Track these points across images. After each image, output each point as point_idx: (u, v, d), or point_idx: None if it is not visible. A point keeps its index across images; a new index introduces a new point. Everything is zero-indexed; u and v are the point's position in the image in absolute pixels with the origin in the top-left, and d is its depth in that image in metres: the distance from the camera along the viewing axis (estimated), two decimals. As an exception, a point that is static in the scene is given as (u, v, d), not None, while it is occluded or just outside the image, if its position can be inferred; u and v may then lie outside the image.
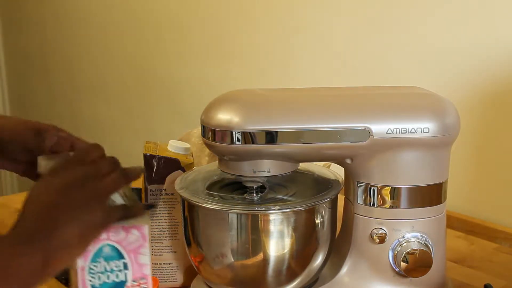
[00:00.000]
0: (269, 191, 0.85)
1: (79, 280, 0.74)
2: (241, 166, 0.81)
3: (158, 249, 0.94)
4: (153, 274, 0.95)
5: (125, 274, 0.77)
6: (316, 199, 0.83)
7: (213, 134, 0.79)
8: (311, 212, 0.82)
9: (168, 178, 0.92)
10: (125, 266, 0.77)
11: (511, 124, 1.15)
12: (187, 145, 0.96)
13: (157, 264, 0.95)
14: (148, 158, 0.91)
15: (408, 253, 0.81)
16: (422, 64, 1.26)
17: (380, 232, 0.82)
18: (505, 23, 1.12)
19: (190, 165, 0.93)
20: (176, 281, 0.96)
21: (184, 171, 0.92)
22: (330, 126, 0.79)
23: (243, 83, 1.66)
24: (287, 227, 0.81)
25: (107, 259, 0.76)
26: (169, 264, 0.95)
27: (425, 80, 1.25)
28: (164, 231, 0.94)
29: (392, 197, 0.82)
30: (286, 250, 0.81)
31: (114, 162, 0.71)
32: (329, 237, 0.85)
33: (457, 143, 0.84)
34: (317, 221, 0.83)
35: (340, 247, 0.88)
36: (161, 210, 0.93)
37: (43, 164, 0.79)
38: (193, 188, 0.86)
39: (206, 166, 0.99)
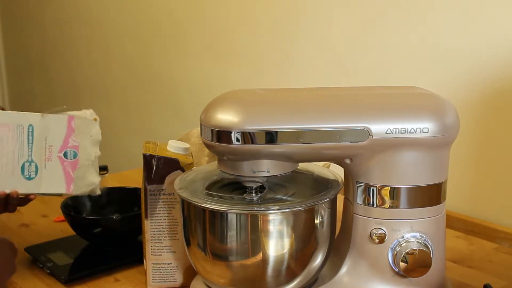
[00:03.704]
0: (269, 191, 0.85)
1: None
2: (241, 166, 0.81)
3: (157, 249, 0.94)
4: (152, 274, 0.95)
5: None
6: (315, 199, 0.83)
7: (212, 134, 0.79)
8: (311, 212, 0.82)
9: (168, 178, 0.92)
10: None
11: (511, 124, 1.15)
12: (187, 145, 0.96)
13: (156, 264, 0.95)
14: (147, 158, 0.91)
15: (407, 253, 0.81)
16: (422, 64, 1.26)
17: (379, 232, 0.82)
18: (505, 23, 1.12)
19: (190, 165, 0.93)
20: (176, 281, 0.96)
21: (183, 171, 0.92)
22: (330, 126, 0.79)
23: (243, 83, 1.66)
24: (286, 227, 0.81)
25: None
26: (168, 264, 0.95)
27: (425, 80, 1.25)
28: (164, 231, 0.94)
29: (392, 197, 0.82)
30: (285, 250, 0.81)
31: None
32: (328, 237, 0.85)
33: (457, 143, 0.84)
34: (317, 221, 0.83)
35: (339, 247, 0.88)
36: (160, 210, 0.93)
37: None
38: (192, 188, 0.86)
39: (206, 166, 0.99)
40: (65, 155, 0.98)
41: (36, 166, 0.96)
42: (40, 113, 0.97)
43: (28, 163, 0.95)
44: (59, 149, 0.98)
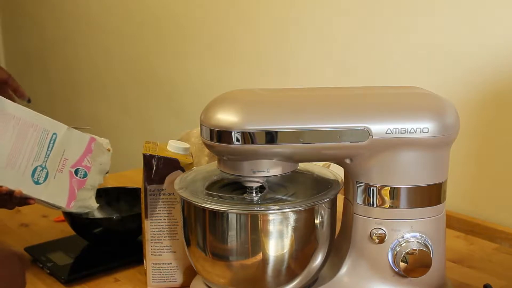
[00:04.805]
0: (269, 191, 0.85)
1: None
2: (241, 166, 0.81)
3: (157, 249, 0.94)
4: (152, 274, 0.95)
5: None
6: (315, 199, 0.83)
7: (212, 134, 0.79)
8: (311, 212, 0.82)
9: (168, 178, 0.92)
10: None
11: (511, 124, 1.15)
12: (187, 145, 0.96)
13: (156, 264, 0.95)
14: (147, 158, 0.91)
15: (407, 253, 0.81)
16: (422, 64, 1.26)
17: (379, 232, 0.82)
18: (505, 23, 1.12)
19: (190, 165, 0.93)
20: (176, 281, 0.96)
21: (183, 171, 0.92)
22: (330, 126, 0.79)
23: (243, 83, 1.66)
24: (286, 227, 0.81)
25: None
26: (168, 264, 0.95)
27: (425, 80, 1.25)
28: (164, 231, 0.94)
29: (392, 197, 0.82)
30: (285, 250, 0.81)
31: None
32: (328, 237, 0.85)
33: (457, 143, 0.84)
34: (317, 221, 0.83)
35: (339, 247, 0.88)
36: (160, 210, 0.93)
37: None
38: (192, 188, 0.86)
39: (206, 166, 0.99)
40: (76, 172, 1.00)
41: (47, 173, 0.97)
42: (66, 126, 0.99)
43: (41, 168, 0.96)
44: (72, 164, 1.00)
